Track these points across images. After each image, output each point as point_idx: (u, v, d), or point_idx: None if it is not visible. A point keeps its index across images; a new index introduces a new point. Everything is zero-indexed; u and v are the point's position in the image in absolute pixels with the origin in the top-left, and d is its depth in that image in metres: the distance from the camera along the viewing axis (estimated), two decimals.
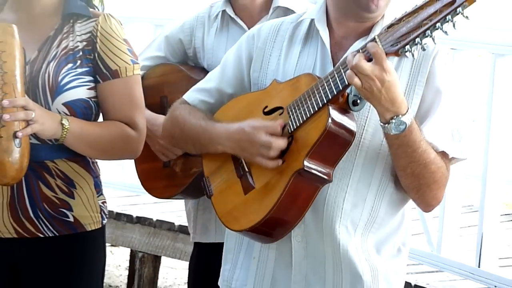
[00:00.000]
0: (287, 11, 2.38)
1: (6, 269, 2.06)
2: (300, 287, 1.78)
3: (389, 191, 1.75)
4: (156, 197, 2.79)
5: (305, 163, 1.62)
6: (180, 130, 1.92)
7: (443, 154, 1.69)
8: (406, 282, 2.32)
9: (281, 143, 1.67)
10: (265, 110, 1.79)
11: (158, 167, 2.63)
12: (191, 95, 1.96)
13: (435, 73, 1.70)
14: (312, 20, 1.81)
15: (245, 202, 1.80)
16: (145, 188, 2.73)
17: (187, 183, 2.53)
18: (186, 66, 2.65)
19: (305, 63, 1.80)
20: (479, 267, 3.23)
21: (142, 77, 2.50)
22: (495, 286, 3.14)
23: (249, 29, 2.18)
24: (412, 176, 1.68)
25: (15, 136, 1.85)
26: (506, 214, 3.75)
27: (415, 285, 2.90)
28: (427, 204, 1.76)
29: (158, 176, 2.68)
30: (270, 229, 1.74)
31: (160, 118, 2.38)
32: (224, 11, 2.52)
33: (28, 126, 1.86)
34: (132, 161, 3.08)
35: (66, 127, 1.92)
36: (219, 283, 1.93)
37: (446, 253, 3.31)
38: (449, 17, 1.45)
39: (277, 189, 1.70)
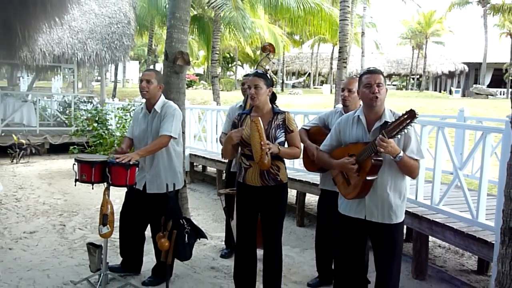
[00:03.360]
0: None
1: (258, 205, 3.39)
2: (369, 210, 2.95)
3: (400, 173, 2.93)
4: (309, 171, 4.04)
5: (366, 177, 2.74)
6: (323, 163, 3.15)
7: (415, 159, 2.86)
8: None
9: (354, 167, 2.81)
10: (349, 154, 2.90)
11: (310, 160, 3.94)
12: (323, 147, 3.17)
13: (409, 132, 2.84)
14: (359, 115, 2.95)
15: (348, 188, 2.92)
16: (305, 167, 4.07)
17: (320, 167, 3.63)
18: (323, 127, 3.97)
19: (357, 133, 2.98)
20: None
21: (309, 129, 4.07)
22: (410, 208, 4.70)
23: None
24: (406, 170, 2.88)
25: (266, 153, 3.12)
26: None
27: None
28: (412, 177, 2.95)
29: (309, 163, 3.98)
30: (358, 196, 2.91)
31: (313, 147, 3.78)
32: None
33: (270, 150, 3.19)
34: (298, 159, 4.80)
35: (276, 148, 3.22)
36: (339, 210, 3.04)
37: None
38: (411, 122, 2.58)
39: (359, 185, 2.85)
